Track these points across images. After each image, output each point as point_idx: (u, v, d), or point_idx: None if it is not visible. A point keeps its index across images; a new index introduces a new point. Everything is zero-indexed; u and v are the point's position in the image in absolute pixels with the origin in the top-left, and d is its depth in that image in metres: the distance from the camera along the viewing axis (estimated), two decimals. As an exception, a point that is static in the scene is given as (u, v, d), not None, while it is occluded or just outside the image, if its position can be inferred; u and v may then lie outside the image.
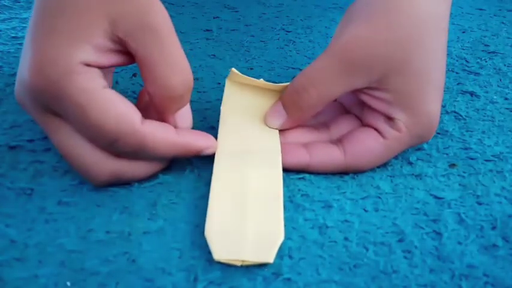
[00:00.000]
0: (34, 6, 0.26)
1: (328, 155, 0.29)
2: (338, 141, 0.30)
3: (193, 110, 0.29)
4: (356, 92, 0.29)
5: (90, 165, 0.26)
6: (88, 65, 0.25)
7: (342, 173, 0.30)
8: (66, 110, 0.25)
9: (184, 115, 0.28)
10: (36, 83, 0.24)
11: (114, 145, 0.25)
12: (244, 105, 0.32)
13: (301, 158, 0.29)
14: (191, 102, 0.29)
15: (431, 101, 0.28)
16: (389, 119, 0.29)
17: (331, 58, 0.28)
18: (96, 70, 0.25)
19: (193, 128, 0.29)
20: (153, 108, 0.27)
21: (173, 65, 0.26)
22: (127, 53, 0.26)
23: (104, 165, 0.26)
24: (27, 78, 0.25)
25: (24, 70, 0.25)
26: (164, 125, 0.27)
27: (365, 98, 0.29)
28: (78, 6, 0.25)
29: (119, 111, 0.25)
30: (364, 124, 0.30)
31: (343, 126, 0.31)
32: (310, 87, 0.28)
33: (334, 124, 0.31)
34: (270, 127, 0.31)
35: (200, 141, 0.28)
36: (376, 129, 0.29)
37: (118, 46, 0.26)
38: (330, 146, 0.30)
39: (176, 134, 0.27)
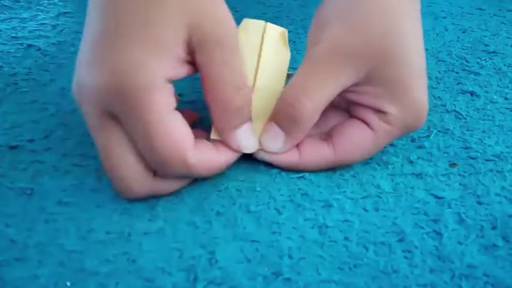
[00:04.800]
0: (94, 2, 0.25)
1: (318, 153, 0.29)
2: (327, 136, 0.30)
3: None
4: (343, 92, 0.28)
5: (128, 179, 0.26)
6: (168, 79, 0.25)
7: (333, 168, 0.30)
8: (131, 121, 0.25)
9: (249, 135, 0.28)
10: (112, 88, 0.24)
11: (160, 167, 0.26)
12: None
13: (290, 157, 0.29)
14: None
15: (418, 88, 0.28)
16: (378, 111, 0.28)
17: (317, 64, 0.27)
18: (171, 87, 0.25)
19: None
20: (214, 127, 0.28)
21: (233, 79, 0.26)
22: (194, 64, 0.26)
23: (141, 183, 0.26)
24: (99, 80, 0.24)
25: (95, 71, 0.25)
26: (211, 151, 0.27)
27: (352, 96, 0.29)
28: (159, 11, 0.25)
29: (175, 139, 0.25)
30: (351, 116, 0.30)
31: (332, 119, 0.31)
32: (303, 96, 0.27)
33: (323, 117, 0.30)
34: (269, 151, 0.29)
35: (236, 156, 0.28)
36: (364, 121, 0.29)
37: (190, 57, 0.26)
38: (319, 142, 0.29)
39: (219, 156, 0.27)
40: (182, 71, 0.26)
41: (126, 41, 0.24)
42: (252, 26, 0.29)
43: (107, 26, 0.25)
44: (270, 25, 0.29)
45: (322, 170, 0.30)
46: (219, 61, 0.26)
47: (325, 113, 0.31)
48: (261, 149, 0.29)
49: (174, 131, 0.25)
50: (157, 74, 0.24)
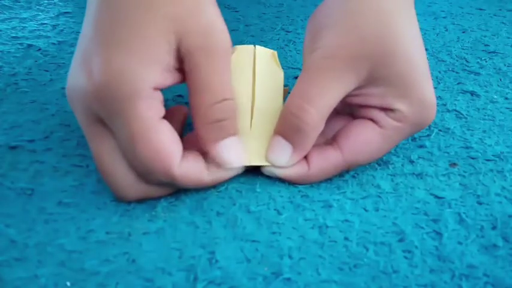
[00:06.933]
0: (92, 4, 0.25)
1: (326, 160, 0.28)
2: (333, 140, 0.29)
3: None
4: (347, 97, 0.28)
5: (121, 186, 0.26)
6: (155, 88, 0.25)
7: (344, 171, 0.29)
8: (117, 128, 0.25)
9: (232, 149, 0.27)
10: (98, 94, 0.24)
11: (146, 176, 0.26)
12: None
13: (299, 169, 0.28)
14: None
15: (424, 85, 0.28)
16: (386, 109, 0.28)
17: (317, 71, 0.27)
18: (159, 95, 0.25)
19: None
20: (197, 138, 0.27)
21: (214, 89, 0.26)
22: (183, 72, 0.26)
23: (134, 188, 0.27)
24: (87, 85, 0.24)
25: (83, 75, 0.25)
26: (198, 165, 0.26)
27: (357, 100, 0.28)
28: (148, 17, 0.24)
29: (162, 149, 0.25)
30: (357, 118, 0.29)
31: (336, 126, 0.30)
32: (307, 105, 0.27)
33: (327, 125, 0.29)
34: (276, 166, 0.28)
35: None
36: (371, 120, 0.28)
37: (179, 64, 0.26)
38: (325, 148, 0.29)
39: (206, 173, 0.27)
40: (171, 78, 0.26)
41: (114, 47, 0.24)
42: (242, 51, 0.29)
43: (96, 31, 0.25)
44: (259, 48, 0.29)
45: (334, 176, 0.29)
46: (202, 70, 0.25)
47: (329, 120, 0.30)
48: (268, 165, 0.28)
49: (159, 141, 0.25)
50: (144, 82, 0.24)
